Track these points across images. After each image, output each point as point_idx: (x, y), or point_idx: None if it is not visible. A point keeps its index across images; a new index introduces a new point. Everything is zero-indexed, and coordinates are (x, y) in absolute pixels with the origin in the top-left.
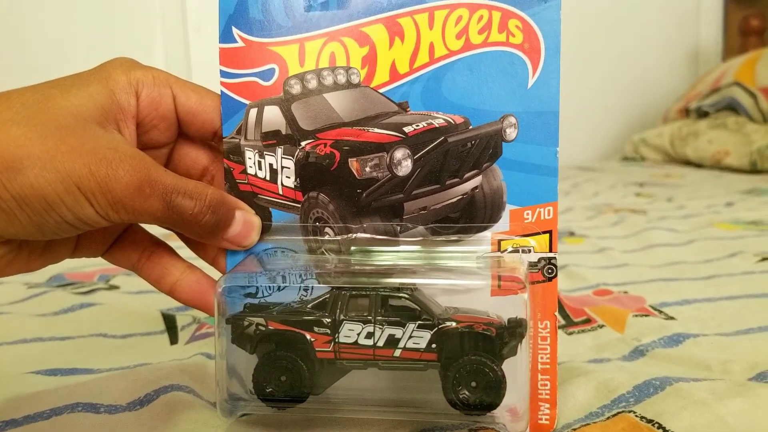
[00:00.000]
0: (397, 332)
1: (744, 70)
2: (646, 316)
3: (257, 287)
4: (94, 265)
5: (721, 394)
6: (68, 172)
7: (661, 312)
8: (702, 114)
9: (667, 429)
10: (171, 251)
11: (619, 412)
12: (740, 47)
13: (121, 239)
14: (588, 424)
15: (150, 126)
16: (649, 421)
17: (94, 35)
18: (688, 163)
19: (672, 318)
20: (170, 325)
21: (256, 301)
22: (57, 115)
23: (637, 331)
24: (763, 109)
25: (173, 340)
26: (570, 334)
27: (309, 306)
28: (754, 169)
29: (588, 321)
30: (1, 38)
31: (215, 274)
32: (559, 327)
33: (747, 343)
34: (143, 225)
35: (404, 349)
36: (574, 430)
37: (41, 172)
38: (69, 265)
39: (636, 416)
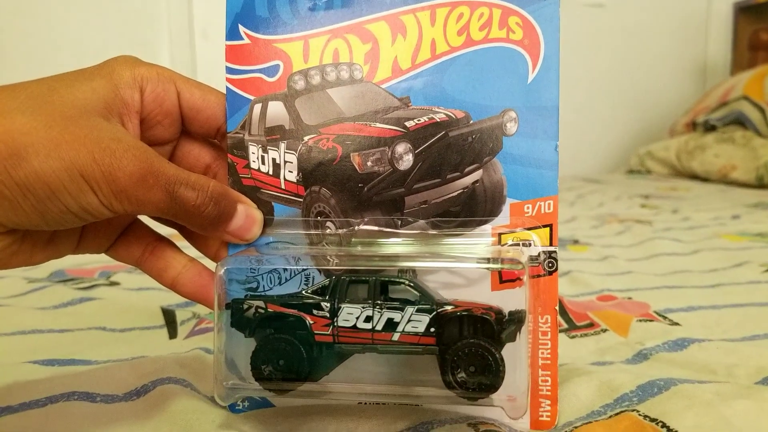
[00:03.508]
0: (396, 316)
1: (752, 85)
2: (650, 321)
3: (258, 281)
4: (95, 261)
5: (726, 396)
6: (72, 160)
7: (665, 318)
8: (709, 128)
9: (671, 428)
10: (173, 246)
11: (621, 411)
12: (749, 61)
13: (124, 235)
14: (590, 423)
15: (154, 122)
16: (653, 420)
17: (101, 40)
18: (694, 176)
19: (677, 324)
20: (170, 320)
21: (257, 294)
22: (62, 106)
23: (640, 336)
24: None
25: (172, 334)
26: (572, 337)
27: (309, 292)
28: (761, 184)
29: (591, 325)
30: (7, 43)
31: None
32: (562, 331)
33: (753, 348)
34: (145, 221)
35: (403, 332)
36: (576, 428)
37: (46, 160)
38: (70, 262)
39: (639, 415)
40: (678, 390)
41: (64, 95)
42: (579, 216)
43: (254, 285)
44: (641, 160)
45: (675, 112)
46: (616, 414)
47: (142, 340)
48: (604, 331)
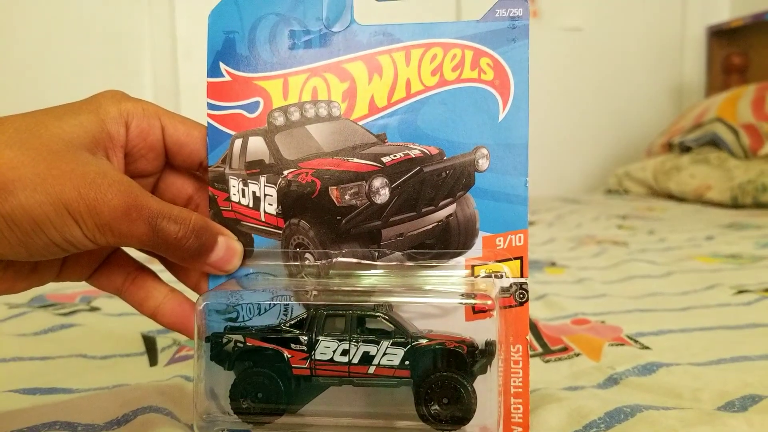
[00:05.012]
0: (372, 349)
1: (726, 107)
2: (621, 345)
3: (238, 311)
4: (75, 286)
5: (689, 422)
6: (58, 194)
7: (636, 342)
8: (685, 149)
9: None
10: (154, 276)
11: None
12: (723, 84)
13: (105, 264)
14: None
15: (138, 155)
16: None
17: (84, 59)
18: (670, 196)
19: (647, 347)
20: (150, 346)
21: (237, 324)
22: (49, 141)
23: (612, 360)
24: (744, 145)
25: (153, 361)
26: (547, 362)
27: (287, 325)
28: (735, 204)
29: (565, 349)
30: None
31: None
32: (537, 355)
33: (718, 372)
34: (127, 250)
35: (378, 366)
36: None
37: (32, 194)
38: (50, 287)
39: None
40: (643, 416)
41: (51, 129)
42: (557, 237)
43: (234, 315)
44: (619, 180)
45: (652, 133)
46: None
47: (122, 367)
48: (578, 355)
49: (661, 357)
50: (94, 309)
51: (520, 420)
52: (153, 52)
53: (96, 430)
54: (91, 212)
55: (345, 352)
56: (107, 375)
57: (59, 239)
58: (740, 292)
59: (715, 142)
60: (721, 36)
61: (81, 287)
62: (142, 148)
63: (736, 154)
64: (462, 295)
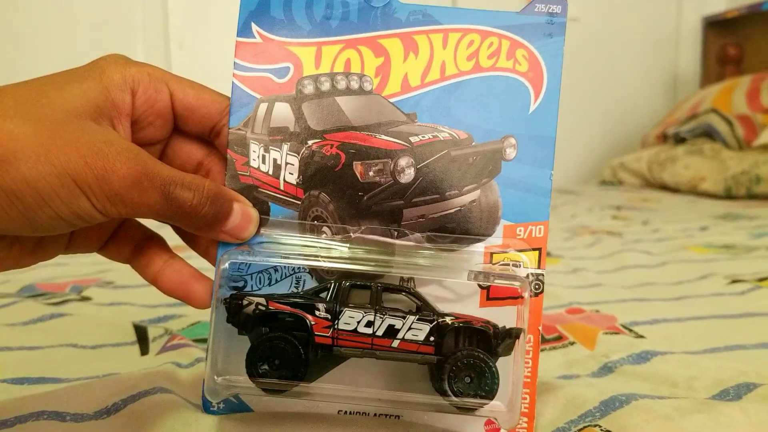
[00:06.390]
0: (397, 323)
1: (721, 98)
2: (616, 334)
3: (246, 280)
4: (66, 275)
5: (684, 411)
6: (64, 165)
7: (631, 330)
8: (679, 140)
9: None
10: (159, 242)
11: (585, 427)
12: (718, 75)
13: (116, 234)
14: None
15: (146, 123)
16: None
17: (75, 48)
18: (665, 187)
19: (641, 336)
20: (141, 336)
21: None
22: (51, 110)
23: (606, 349)
24: (738, 137)
25: (144, 351)
26: (542, 350)
27: (310, 293)
28: (729, 195)
29: (559, 338)
30: None
31: (205, 264)
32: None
33: (712, 361)
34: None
35: (403, 340)
36: None
37: (35, 165)
38: (41, 276)
39: (601, 430)
40: (638, 405)
41: (53, 98)
42: (552, 228)
43: (241, 284)
44: (614, 171)
45: (647, 124)
46: (580, 429)
47: (113, 356)
48: (572, 344)
49: (655, 346)
50: (85, 299)
51: (527, 409)
52: (145, 41)
53: (85, 419)
54: (99, 182)
55: (369, 324)
56: (97, 364)
57: (66, 213)
58: (734, 281)
59: (709, 133)
60: (716, 27)
61: (71, 276)
62: (150, 115)
63: (730, 145)
64: (491, 276)
